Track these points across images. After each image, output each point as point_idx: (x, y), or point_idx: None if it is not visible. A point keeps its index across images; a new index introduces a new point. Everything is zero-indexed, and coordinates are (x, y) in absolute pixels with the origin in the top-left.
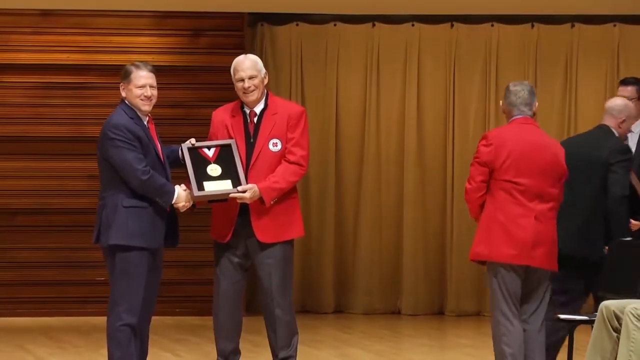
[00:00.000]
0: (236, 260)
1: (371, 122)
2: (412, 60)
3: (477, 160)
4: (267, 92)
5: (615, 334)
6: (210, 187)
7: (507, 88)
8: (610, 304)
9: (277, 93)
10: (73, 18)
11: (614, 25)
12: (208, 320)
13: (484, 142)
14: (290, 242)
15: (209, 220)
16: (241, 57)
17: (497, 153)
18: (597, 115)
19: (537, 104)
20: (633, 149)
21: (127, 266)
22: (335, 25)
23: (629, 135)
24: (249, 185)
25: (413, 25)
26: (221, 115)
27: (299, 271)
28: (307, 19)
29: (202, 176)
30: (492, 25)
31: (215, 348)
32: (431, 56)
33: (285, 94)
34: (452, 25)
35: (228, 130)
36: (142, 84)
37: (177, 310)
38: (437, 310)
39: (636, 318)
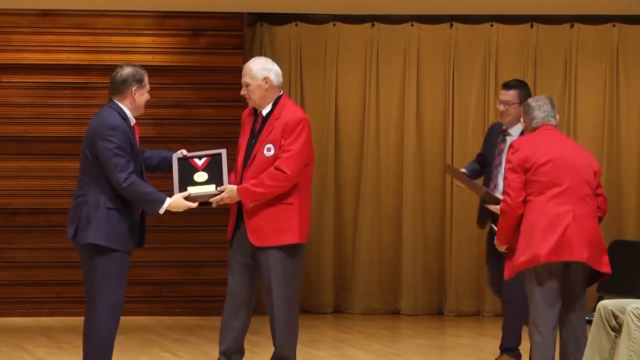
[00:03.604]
0: (242, 260)
1: (370, 122)
2: (412, 60)
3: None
4: (280, 94)
5: (613, 333)
6: (193, 190)
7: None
8: (608, 304)
9: None
10: (73, 18)
11: (614, 25)
12: (207, 320)
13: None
14: (288, 247)
15: (209, 220)
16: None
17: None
18: (596, 115)
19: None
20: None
21: (110, 268)
22: (334, 25)
23: (507, 137)
24: (228, 186)
25: (412, 25)
26: (246, 113)
27: None
28: (307, 19)
29: (188, 182)
30: (492, 25)
31: (215, 347)
32: (430, 56)
33: None
34: (451, 25)
35: (242, 129)
36: (149, 88)
37: (176, 310)
38: (436, 311)
39: (637, 318)
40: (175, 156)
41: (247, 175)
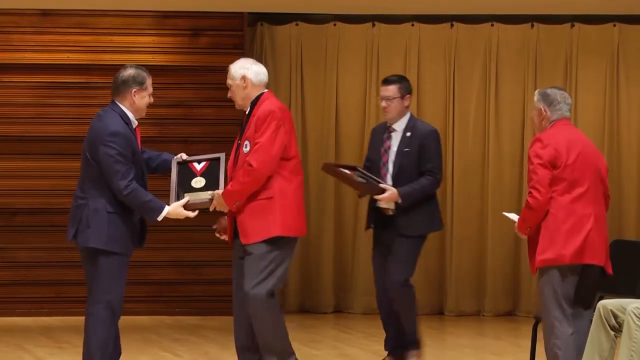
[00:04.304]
0: (240, 260)
1: (371, 122)
2: (412, 60)
3: None
4: (260, 94)
5: (612, 333)
6: (191, 197)
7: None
8: (607, 303)
9: (277, 93)
10: (73, 18)
11: (614, 25)
12: (207, 320)
13: None
14: (270, 241)
15: (209, 220)
16: None
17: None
18: (596, 114)
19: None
20: (395, 147)
21: (109, 270)
22: (335, 25)
23: (393, 134)
24: (215, 193)
25: (413, 25)
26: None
27: (297, 271)
28: (307, 18)
29: (185, 188)
30: (492, 25)
31: (215, 347)
32: (431, 56)
33: (285, 94)
34: (451, 25)
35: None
36: (151, 92)
37: (176, 310)
38: (436, 310)
39: (638, 318)
40: (175, 160)
41: (233, 174)
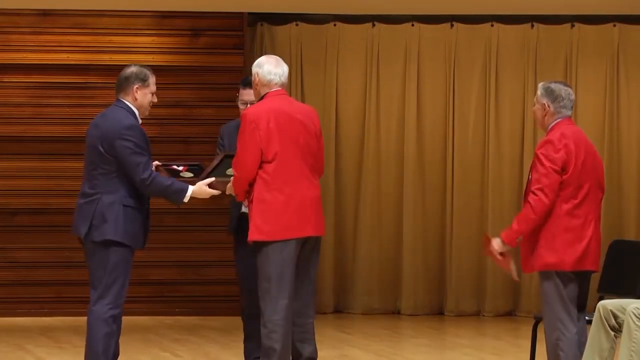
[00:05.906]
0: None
1: (371, 122)
2: (412, 60)
3: None
4: (265, 93)
5: (612, 333)
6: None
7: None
8: (607, 303)
9: None
10: (73, 18)
11: (614, 25)
12: (208, 320)
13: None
14: (254, 244)
15: (209, 220)
16: None
17: None
18: (596, 114)
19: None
20: None
21: (119, 261)
22: (335, 25)
23: None
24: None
25: (413, 25)
26: None
27: None
28: (307, 19)
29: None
30: (492, 25)
31: (215, 347)
32: (431, 56)
33: None
34: (451, 25)
35: None
36: (154, 90)
37: (177, 310)
38: (436, 310)
39: (638, 318)
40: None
41: None
